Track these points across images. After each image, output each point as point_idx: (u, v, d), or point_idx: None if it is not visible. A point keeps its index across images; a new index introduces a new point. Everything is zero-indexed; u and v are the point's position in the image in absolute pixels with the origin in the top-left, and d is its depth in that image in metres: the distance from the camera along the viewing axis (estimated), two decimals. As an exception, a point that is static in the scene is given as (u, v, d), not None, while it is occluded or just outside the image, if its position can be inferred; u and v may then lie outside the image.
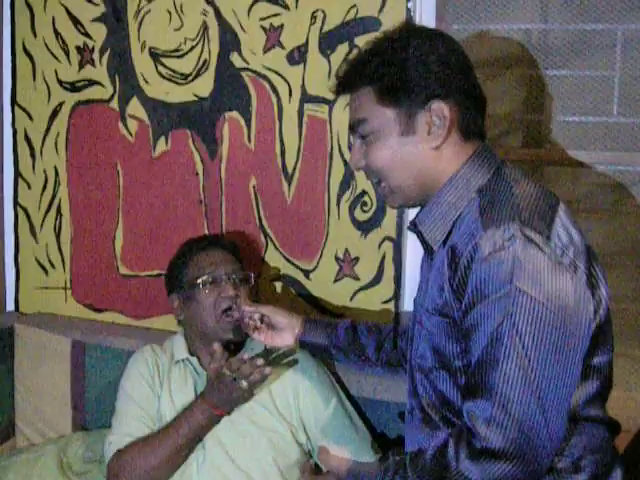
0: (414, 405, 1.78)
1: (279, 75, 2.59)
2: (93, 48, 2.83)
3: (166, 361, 2.33)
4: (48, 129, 2.93)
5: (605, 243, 3.25)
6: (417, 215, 1.72)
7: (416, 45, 1.64)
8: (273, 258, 2.67)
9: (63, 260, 2.97)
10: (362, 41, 2.47)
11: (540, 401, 1.46)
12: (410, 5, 2.43)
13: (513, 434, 1.46)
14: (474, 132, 1.69)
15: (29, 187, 2.99)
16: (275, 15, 2.58)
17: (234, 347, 2.27)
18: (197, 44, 2.68)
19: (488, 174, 1.65)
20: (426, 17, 2.45)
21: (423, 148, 1.66)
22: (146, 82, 2.77)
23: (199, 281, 2.25)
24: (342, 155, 2.52)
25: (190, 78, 2.71)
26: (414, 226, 1.73)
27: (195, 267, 2.29)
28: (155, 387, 2.28)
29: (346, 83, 1.72)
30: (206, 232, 2.73)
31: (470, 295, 1.52)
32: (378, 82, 1.65)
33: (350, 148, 1.82)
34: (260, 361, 2.01)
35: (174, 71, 2.72)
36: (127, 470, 2.12)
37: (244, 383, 2.03)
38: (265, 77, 2.61)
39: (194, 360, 2.29)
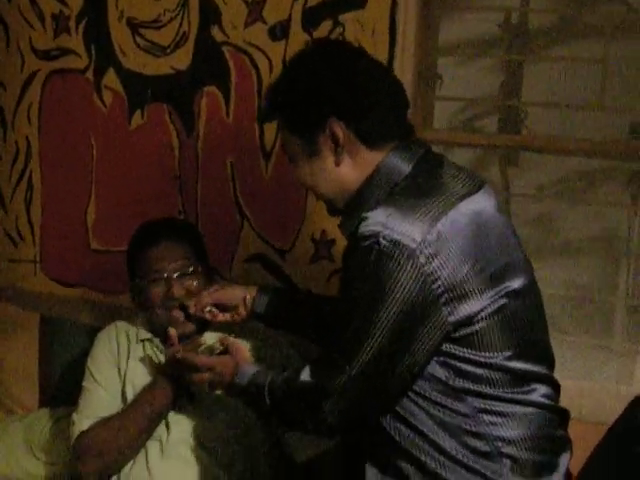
0: None
1: (260, 50, 2.54)
2: (69, 16, 2.75)
3: (132, 339, 2.30)
4: (21, 98, 2.86)
5: (577, 231, 3.25)
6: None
7: (306, 68, 1.73)
8: (248, 237, 2.63)
9: (33, 233, 2.92)
10: (346, 19, 2.43)
11: None
12: (396, -17, 2.39)
13: None
14: (383, 137, 1.72)
15: (0, 157, 2.92)
16: (258, -12, 2.52)
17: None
18: (177, 16, 2.62)
19: (405, 169, 1.70)
20: (411, -4, 2.41)
21: (329, 166, 1.73)
22: (123, 53, 2.71)
23: (145, 281, 2.21)
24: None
25: (168, 50, 2.65)
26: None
27: (144, 263, 2.23)
28: (120, 365, 2.26)
29: (267, 111, 1.85)
30: (180, 209, 2.69)
31: None
32: (279, 112, 1.77)
33: None
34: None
35: (152, 42, 2.67)
36: (90, 451, 2.12)
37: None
38: (245, 52, 2.56)
39: (157, 340, 2.27)
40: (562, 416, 1.77)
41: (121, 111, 2.73)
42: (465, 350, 1.62)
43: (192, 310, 2.13)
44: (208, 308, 2.12)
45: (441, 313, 1.58)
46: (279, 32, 2.51)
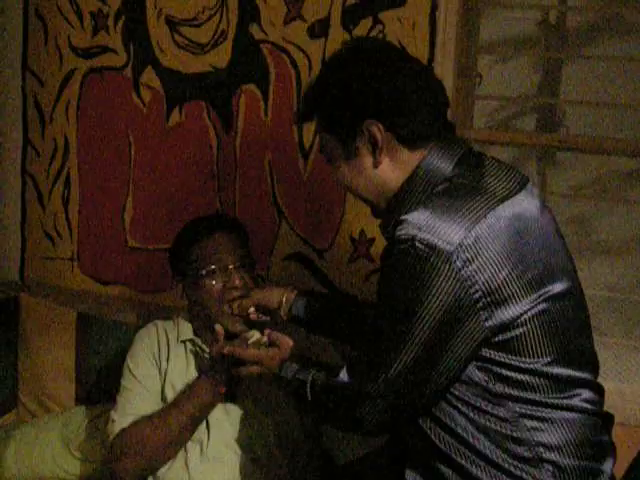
0: None
1: (299, 48, 2.53)
2: (108, 14, 2.75)
3: (172, 339, 2.28)
4: (59, 96, 2.87)
5: (612, 230, 3.21)
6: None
7: (343, 69, 1.71)
8: (286, 236, 2.62)
9: (70, 230, 2.92)
10: (386, 17, 2.42)
11: None
12: (437, -19, 2.37)
13: None
14: (423, 137, 1.70)
15: (38, 155, 2.93)
16: (297, -14, 2.51)
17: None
18: (215, 13, 2.62)
19: (447, 169, 1.69)
20: (453, -5, 2.39)
21: (368, 167, 1.72)
22: (161, 51, 2.71)
23: (204, 272, 2.18)
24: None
25: (207, 48, 2.64)
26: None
27: (200, 255, 2.21)
28: (161, 364, 2.25)
29: (304, 113, 1.82)
30: (219, 207, 2.68)
31: None
32: (317, 113, 1.76)
33: None
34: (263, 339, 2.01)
35: (191, 40, 2.66)
36: (131, 449, 2.11)
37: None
38: (285, 50, 2.55)
39: (198, 341, 2.26)
40: (606, 421, 1.75)
41: (159, 109, 2.73)
42: (504, 355, 1.60)
43: (236, 311, 2.13)
44: (251, 309, 2.13)
45: (479, 318, 1.56)
46: (318, 30, 2.50)
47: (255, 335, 2.05)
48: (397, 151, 1.69)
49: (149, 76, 2.73)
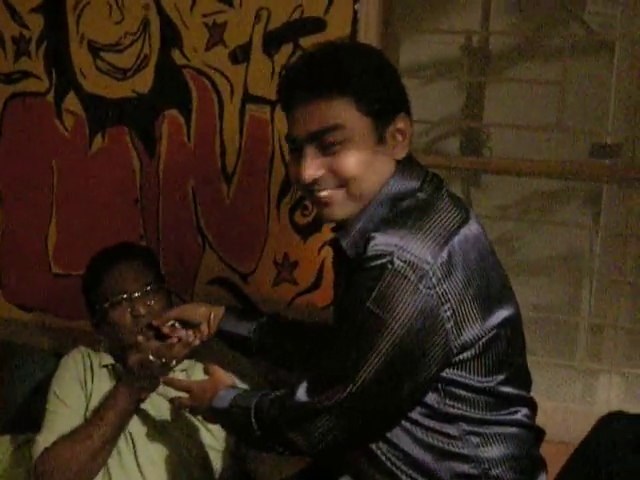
0: None
1: (221, 73, 2.54)
2: (30, 39, 2.73)
3: (95, 364, 2.28)
4: (-20, 121, 2.84)
5: (538, 251, 3.27)
6: (341, 231, 1.72)
7: (383, 57, 1.71)
8: (210, 260, 2.62)
9: (-8, 256, 2.88)
10: (307, 42, 2.44)
11: None
12: (357, 7, 2.40)
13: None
14: None
15: (-41, 180, 2.90)
16: (219, 12, 2.52)
17: None
18: (137, 39, 2.62)
19: (415, 184, 1.68)
20: (372, 20, 2.42)
21: (389, 159, 1.67)
22: (84, 76, 2.69)
23: (107, 305, 2.17)
24: (284, 157, 2.48)
25: (129, 73, 2.64)
26: (335, 242, 1.73)
27: (103, 289, 2.19)
28: (86, 388, 2.25)
29: (320, 90, 1.63)
30: (142, 232, 2.67)
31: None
32: (361, 91, 1.62)
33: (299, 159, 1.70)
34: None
35: (113, 66, 2.65)
36: (55, 468, 2.09)
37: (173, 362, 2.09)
38: (206, 75, 2.55)
39: (119, 366, 2.25)
40: (539, 436, 1.79)
41: (82, 134, 2.71)
42: (463, 374, 1.61)
43: (154, 323, 2.10)
44: (170, 322, 2.10)
45: (448, 336, 1.56)
46: (240, 56, 2.51)
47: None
48: (397, 150, 1.69)
49: (71, 101, 2.71)
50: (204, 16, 2.54)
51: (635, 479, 2.06)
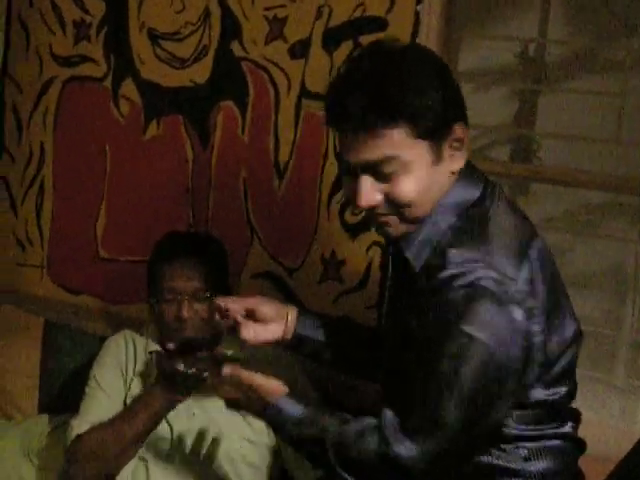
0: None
1: (279, 68, 2.54)
2: (90, 24, 2.76)
3: (140, 349, 2.29)
4: (37, 103, 2.87)
5: (584, 264, 3.23)
6: (402, 241, 1.62)
7: (440, 65, 1.59)
8: (257, 254, 2.62)
9: (42, 238, 2.91)
10: (367, 41, 2.42)
11: None
12: (419, 8, 2.39)
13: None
14: None
15: (13, 160, 2.93)
16: (280, 6, 2.52)
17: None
18: (197, 29, 2.63)
19: (477, 192, 1.61)
20: (433, 22, 2.41)
21: (448, 172, 1.59)
22: (142, 63, 2.71)
23: (155, 300, 2.19)
24: (337, 155, 2.48)
25: (188, 63, 2.65)
26: (398, 252, 1.64)
27: (158, 281, 2.19)
28: (127, 374, 2.25)
29: (373, 122, 1.50)
30: (191, 221, 2.68)
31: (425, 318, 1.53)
32: (416, 116, 1.51)
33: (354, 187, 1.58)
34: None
35: (172, 54, 2.67)
36: (85, 455, 2.11)
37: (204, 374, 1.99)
38: (264, 68, 2.56)
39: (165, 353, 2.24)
40: (581, 448, 1.74)
41: (137, 121, 2.73)
42: (535, 393, 1.58)
43: (221, 302, 1.85)
44: (241, 311, 1.83)
45: (536, 351, 1.52)
46: (299, 51, 2.51)
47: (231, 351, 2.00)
48: (454, 161, 1.59)
49: (128, 88, 2.73)
50: (265, 9, 2.54)
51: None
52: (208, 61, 2.62)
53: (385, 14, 2.41)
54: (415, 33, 2.40)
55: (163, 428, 2.16)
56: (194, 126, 2.66)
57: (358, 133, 1.52)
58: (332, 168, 2.49)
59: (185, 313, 2.13)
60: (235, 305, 1.84)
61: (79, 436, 2.13)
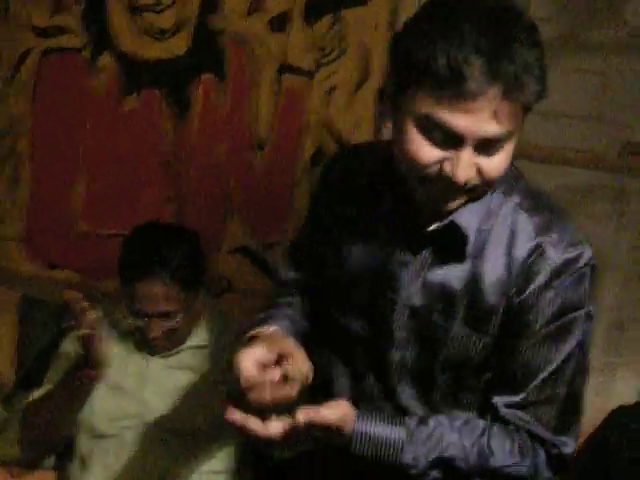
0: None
1: (259, 41, 2.53)
2: (69, -6, 2.73)
3: (114, 326, 2.27)
4: (14, 74, 2.83)
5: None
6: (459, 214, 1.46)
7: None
8: (235, 228, 2.62)
9: (19, 211, 2.88)
10: (349, 14, 2.42)
11: None
12: (401, -18, 2.38)
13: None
14: None
15: (-11, 132, 2.90)
16: (261, -21, 2.51)
17: None
18: (177, 1, 2.60)
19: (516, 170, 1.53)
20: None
21: None
22: (120, 35, 2.68)
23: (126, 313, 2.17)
24: (316, 129, 2.47)
25: (167, 35, 2.63)
26: (453, 228, 1.47)
27: (126, 296, 2.16)
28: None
29: (512, 83, 1.27)
30: (170, 195, 2.66)
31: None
32: (530, 85, 1.30)
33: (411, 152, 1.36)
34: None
35: (151, 26, 2.64)
36: (28, 423, 2.17)
37: None
38: (245, 41, 2.54)
39: (140, 322, 2.20)
40: None
41: (115, 93, 2.70)
42: None
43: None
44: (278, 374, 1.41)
45: None
46: (279, 24, 2.50)
47: None
48: None
49: (106, 60, 2.70)
50: (246, -19, 2.53)
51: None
52: (188, 33, 2.60)
53: (367, -13, 2.41)
54: (395, 6, 2.39)
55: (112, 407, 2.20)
56: (173, 98, 2.64)
57: (492, 97, 1.27)
58: (312, 141, 2.50)
59: (152, 332, 2.14)
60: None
61: (27, 403, 2.17)
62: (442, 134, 1.32)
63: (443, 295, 1.51)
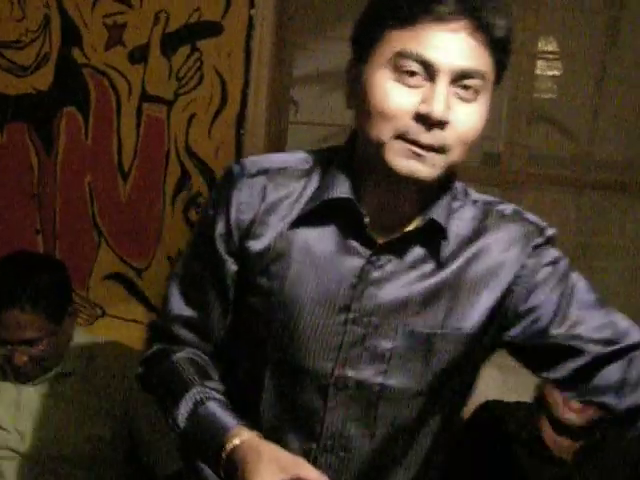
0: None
1: (119, 73, 2.59)
2: None
3: None
4: None
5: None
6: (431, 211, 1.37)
7: None
8: (106, 256, 2.66)
9: None
10: (203, 45, 2.51)
11: None
12: (253, 12, 2.48)
13: None
14: None
15: None
16: (119, 13, 2.58)
17: None
18: (38, 37, 2.65)
19: None
20: (267, 25, 2.51)
21: None
22: (-16, 72, 2.72)
23: None
24: (179, 155, 2.56)
25: (29, 71, 2.67)
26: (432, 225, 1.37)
27: None
28: None
29: (482, 20, 1.27)
30: (38, 227, 2.69)
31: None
32: (502, 30, 1.29)
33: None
34: None
35: (13, 62, 2.68)
36: None
37: None
38: (105, 74, 2.60)
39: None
40: None
41: (-19, 129, 2.74)
42: None
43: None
44: None
45: None
46: (138, 56, 2.57)
47: None
48: None
49: (-29, 97, 2.73)
50: (104, 16, 2.59)
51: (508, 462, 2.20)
52: (50, 68, 2.65)
53: (220, 19, 2.50)
54: (249, 37, 2.49)
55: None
56: (38, 133, 2.68)
57: (460, 29, 1.26)
58: (174, 168, 2.57)
59: (17, 360, 2.18)
60: None
61: None
62: (416, 69, 1.27)
63: None
